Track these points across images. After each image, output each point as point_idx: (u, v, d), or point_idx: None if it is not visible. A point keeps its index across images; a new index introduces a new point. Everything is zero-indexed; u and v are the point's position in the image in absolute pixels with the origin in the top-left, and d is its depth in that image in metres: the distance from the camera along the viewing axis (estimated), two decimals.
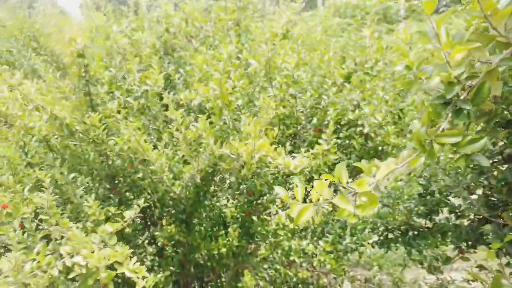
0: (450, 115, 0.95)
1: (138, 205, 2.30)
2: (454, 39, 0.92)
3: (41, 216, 2.10)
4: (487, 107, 1.07)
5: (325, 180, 0.97)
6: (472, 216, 1.98)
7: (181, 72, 3.32)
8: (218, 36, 3.31)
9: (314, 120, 2.85)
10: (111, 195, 2.93)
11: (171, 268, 3.00)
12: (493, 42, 0.94)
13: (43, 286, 1.86)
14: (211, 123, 2.55)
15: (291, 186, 3.02)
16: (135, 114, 2.97)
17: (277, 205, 2.82)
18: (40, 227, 2.13)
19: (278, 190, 1.05)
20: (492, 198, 1.81)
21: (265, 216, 2.92)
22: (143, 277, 1.87)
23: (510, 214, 1.60)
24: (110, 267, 1.97)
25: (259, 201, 2.96)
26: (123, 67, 3.08)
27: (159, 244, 3.05)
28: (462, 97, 0.94)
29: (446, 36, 0.90)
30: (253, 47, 3.12)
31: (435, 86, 0.96)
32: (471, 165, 1.85)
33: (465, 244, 2.06)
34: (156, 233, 2.83)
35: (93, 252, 1.92)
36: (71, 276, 1.91)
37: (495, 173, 1.73)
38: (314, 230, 2.86)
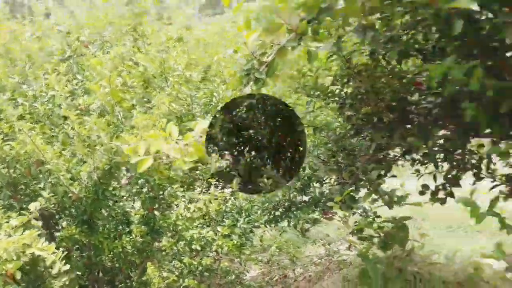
0: (251, 83, 1.24)
1: (43, 197, 2.33)
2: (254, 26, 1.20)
3: None
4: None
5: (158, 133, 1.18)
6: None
7: (79, 78, 3.36)
8: (115, 41, 3.41)
9: (208, 116, 3.08)
10: (13, 202, 2.86)
11: (77, 272, 2.97)
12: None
13: None
14: (108, 122, 2.65)
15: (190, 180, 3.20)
16: (40, 119, 2.96)
17: (179, 199, 2.98)
18: None
19: (120, 145, 1.23)
20: (340, 164, 2.20)
21: (166, 211, 3.04)
22: (53, 253, 1.94)
23: (349, 174, 1.98)
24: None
25: (161, 196, 3.08)
26: (28, 74, 3.09)
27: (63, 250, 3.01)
28: (260, 70, 1.23)
29: (244, 23, 1.18)
30: (150, 51, 3.28)
31: (240, 62, 1.24)
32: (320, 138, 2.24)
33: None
34: (56, 234, 2.81)
35: None
36: None
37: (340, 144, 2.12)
38: (215, 218, 3.06)
